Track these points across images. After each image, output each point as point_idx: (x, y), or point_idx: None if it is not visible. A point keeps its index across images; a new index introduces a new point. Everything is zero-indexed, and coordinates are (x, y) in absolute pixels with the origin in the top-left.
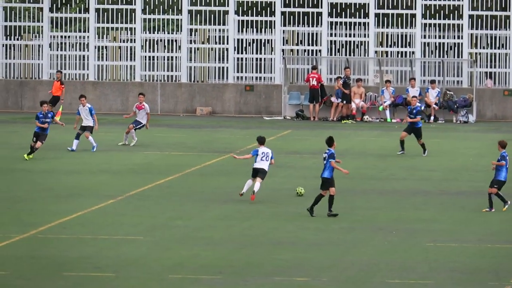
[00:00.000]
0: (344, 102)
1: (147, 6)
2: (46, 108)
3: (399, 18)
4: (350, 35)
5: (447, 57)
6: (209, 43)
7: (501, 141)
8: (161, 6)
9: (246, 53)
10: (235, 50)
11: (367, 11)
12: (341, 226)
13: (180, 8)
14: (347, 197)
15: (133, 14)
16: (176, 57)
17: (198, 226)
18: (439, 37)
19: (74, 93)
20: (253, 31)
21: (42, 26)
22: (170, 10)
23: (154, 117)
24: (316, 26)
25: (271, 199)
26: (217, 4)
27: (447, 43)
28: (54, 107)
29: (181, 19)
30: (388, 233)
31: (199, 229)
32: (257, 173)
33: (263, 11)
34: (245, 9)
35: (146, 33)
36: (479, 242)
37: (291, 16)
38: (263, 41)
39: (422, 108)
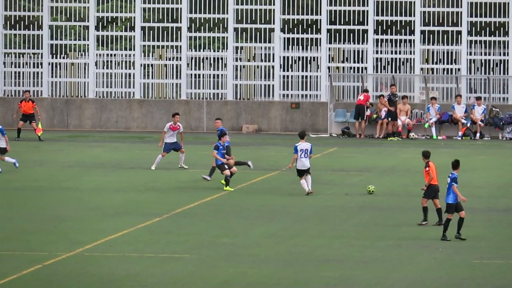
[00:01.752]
0: (390, 119)
1: (193, 24)
2: None
3: (445, 35)
4: (395, 52)
5: (493, 73)
6: (255, 61)
7: None
8: (207, 24)
9: (292, 71)
10: (281, 67)
11: (412, 28)
12: (387, 244)
13: (225, 26)
14: (393, 214)
15: (179, 32)
16: (222, 75)
17: (245, 243)
18: (485, 54)
19: (120, 111)
20: (298, 49)
21: (88, 44)
22: (216, 28)
23: (200, 135)
24: (362, 43)
25: (317, 217)
26: (263, 22)
27: (493, 59)
28: (33, 124)
29: (226, 37)
30: (434, 250)
31: (245, 246)
32: (302, 173)
33: (309, 29)
34: (290, 27)
35: (191, 51)
36: None
37: (337, 34)
38: (308, 58)
39: (468, 125)
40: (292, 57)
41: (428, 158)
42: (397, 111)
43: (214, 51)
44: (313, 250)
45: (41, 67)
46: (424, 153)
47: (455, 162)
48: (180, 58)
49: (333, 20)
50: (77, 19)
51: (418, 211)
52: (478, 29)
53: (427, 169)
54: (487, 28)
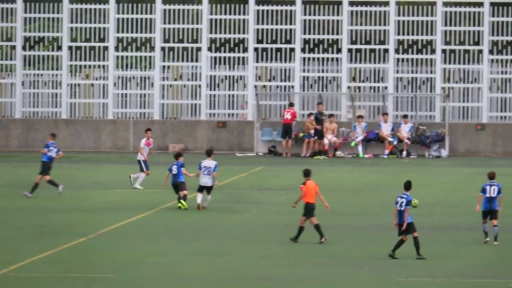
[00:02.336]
0: (316, 137)
1: (120, 43)
2: None
3: (372, 53)
4: (323, 71)
5: (420, 91)
6: (181, 80)
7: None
8: (134, 44)
9: (218, 90)
10: (207, 86)
11: (339, 47)
12: (314, 262)
13: (152, 45)
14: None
15: (106, 51)
16: (148, 94)
17: (172, 263)
18: (412, 72)
19: (46, 131)
20: (225, 68)
21: (15, 64)
22: (143, 47)
23: (127, 154)
24: (289, 62)
25: (244, 235)
26: (189, 41)
27: (420, 77)
28: None
29: (153, 56)
30: (360, 268)
31: (173, 266)
32: (202, 189)
33: (236, 48)
34: (217, 46)
35: (119, 70)
36: (451, 277)
37: (264, 52)
38: (235, 77)
39: (395, 143)
40: (219, 76)
41: (308, 176)
42: (323, 129)
43: (141, 70)
44: (240, 269)
45: None
46: (304, 171)
47: (408, 183)
48: (107, 77)
49: (260, 38)
50: (4, 39)
51: (344, 229)
52: (405, 47)
53: (302, 186)
54: (414, 46)
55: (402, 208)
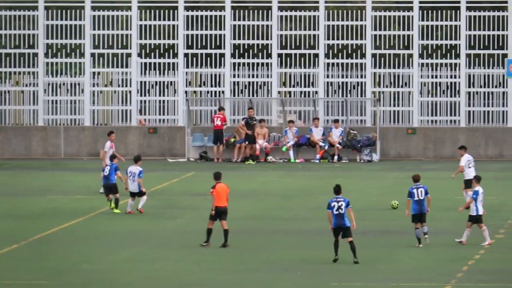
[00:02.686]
0: (247, 142)
1: (50, 50)
2: None
3: (302, 58)
4: (253, 76)
5: (350, 96)
6: (112, 86)
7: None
8: (64, 50)
9: (149, 96)
10: (138, 92)
11: (270, 52)
12: (247, 267)
13: (82, 51)
14: (252, 237)
15: (36, 58)
16: (79, 100)
17: (105, 269)
18: (342, 76)
19: None
20: (156, 73)
21: None
22: (73, 53)
23: (58, 161)
24: (219, 67)
25: (177, 241)
26: (119, 47)
27: (350, 82)
28: None
29: (83, 62)
30: (293, 273)
31: (105, 272)
32: (132, 194)
33: (166, 53)
34: (147, 52)
35: (48, 76)
36: (384, 281)
37: (194, 58)
38: (166, 83)
39: (326, 147)
40: (149, 81)
41: (218, 179)
42: (255, 134)
43: (71, 76)
44: (174, 275)
45: None
46: (214, 174)
47: (338, 187)
48: (37, 84)
49: (190, 44)
50: None
51: (276, 234)
52: (335, 52)
53: (212, 190)
54: (344, 51)
55: (343, 211)
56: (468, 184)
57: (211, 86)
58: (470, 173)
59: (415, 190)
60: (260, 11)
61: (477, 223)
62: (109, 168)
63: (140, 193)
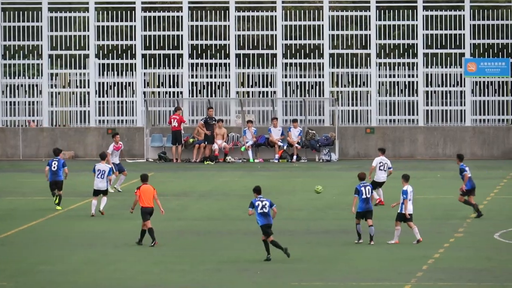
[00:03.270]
0: (206, 143)
1: (7, 51)
2: None
3: (260, 58)
4: (211, 76)
5: (309, 96)
6: (70, 87)
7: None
8: (21, 51)
9: (107, 96)
10: (96, 93)
11: (228, 52)
12: (206, 268)
13: (40, 53)
14: (211, 238)
15: None
16: (37, 101)
17: (63, 270)
18: (301, 76)
19: None
20: (114, 74)
21: None
22: (30, 54)
23: (16, 162)
24: (178, 68)
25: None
26: (77, 48)
27: (309, 82)
28: None
29: (41, 64)
30: (253, 273)
31: (64, 273)
32: (97, 193)
33: (124, 54)
34: (105, 53)
35: (6, 78)
36: (344, 281)
37: (152, 59)
38: (124, 84)
39: (285, 147)
40: (107, 82)
41: (144, 181)
42: (214, 134)
43: (29, 78)
44: (133, 276)
45: None
46: (141, 176)
47: (259, 188)
48: None
49: (147, 45)
50: None
51: (236, 235)
52: (293, 52)
53: (136, 191)
54: (302, 51)
55: (267, 210)
56: (375, 185)
57: (170, 87)
58: (380, 175)
59: (362, 188)
60: (218, 12)
61: (406, 222)
62: (56, 163)
63: (106, 192)
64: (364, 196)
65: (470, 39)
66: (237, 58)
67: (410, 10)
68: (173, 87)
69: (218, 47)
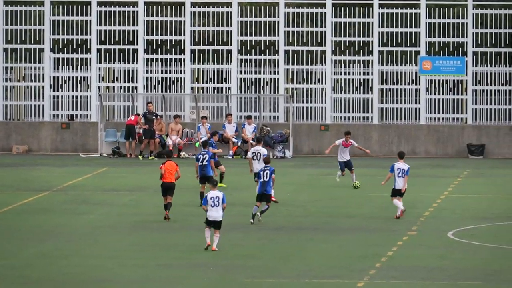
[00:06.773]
0: (144, 138)
1: None
2: None
3: (215, 54)
4: (166, 72)
5: (263, 92)
6: (24, 81)
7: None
8: None
9: (62, 91)
10: (51, 87)
11: (183, 47)
12: (158, 263)
13: None
14: (164, 233)
15: None
16: None
17: (16, 265)
18: (255, 73)
19: None
20: (69, 69)
21: None
22: None
23: None
24: (133, 63)
25: (90, 237)
26: (32, 42)
27: (263, 78)
28: None
29: None
30: (206, 269)
31: (16, 268)
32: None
33: (79, 49)
34: (60, 47)
35: None
36: (297, 278)
37: (107, 53)
38: (79, 78)
39: (239, 143)
40: (62, 77)
41: (169, 157)
42: (152, 129)
43: None
44: (86, 270)
45: None
46: (166, 153)
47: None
48: None
49: (103, 39)
50: None
51: (189, 230)
52: (248, 48)
53: (161, 166)
54: (257, 47)
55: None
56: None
57: (124, 81)
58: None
59: (261, 172)
60: (173, 7)
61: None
62: None
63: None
64: (261, 180)
65: (426, 37)
66: (192, 54)
67: (366, 8)
68: (128, 82)
69: (173, 43)
